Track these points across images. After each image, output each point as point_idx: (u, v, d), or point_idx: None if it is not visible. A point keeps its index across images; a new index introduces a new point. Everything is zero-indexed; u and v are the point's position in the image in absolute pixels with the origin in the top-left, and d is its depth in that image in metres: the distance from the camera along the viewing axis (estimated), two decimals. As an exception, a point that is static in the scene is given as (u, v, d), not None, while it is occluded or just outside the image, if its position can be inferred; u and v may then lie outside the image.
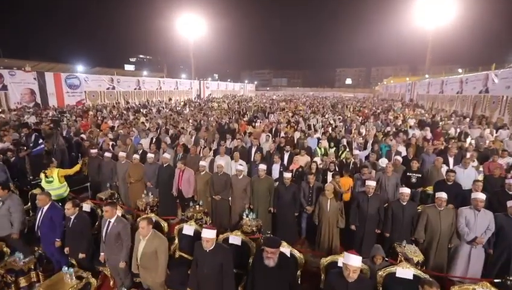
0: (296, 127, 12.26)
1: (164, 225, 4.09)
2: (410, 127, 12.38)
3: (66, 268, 3.33)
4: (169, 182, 5.74)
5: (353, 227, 4.48)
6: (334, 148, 8.38)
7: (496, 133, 11.09)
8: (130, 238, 3.40)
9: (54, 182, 4.80)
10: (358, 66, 79.91)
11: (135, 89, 29.75)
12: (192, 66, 45.26)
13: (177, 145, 8.20)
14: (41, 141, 6.49)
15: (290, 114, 17.40)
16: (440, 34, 31.82)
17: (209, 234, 2.77)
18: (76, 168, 5.59)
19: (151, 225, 3.14)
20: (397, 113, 17.66)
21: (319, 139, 9.06)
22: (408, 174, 5.68)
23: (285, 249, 3.36)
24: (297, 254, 3.40)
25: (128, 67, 62.07)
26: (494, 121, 13.58)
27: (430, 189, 5.68)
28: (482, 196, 3.83)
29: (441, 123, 14.06)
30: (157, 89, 32.95)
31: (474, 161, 6.84)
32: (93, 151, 6.76)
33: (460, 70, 29.06)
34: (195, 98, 37.22)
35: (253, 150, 7.43)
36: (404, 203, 4.16)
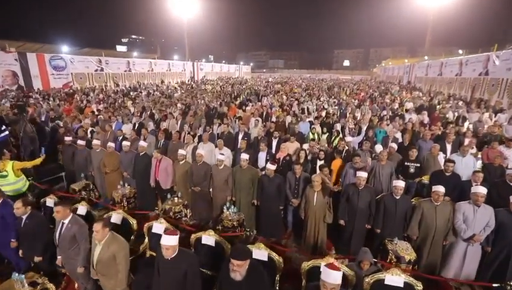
0: (289, 110, 11.77)
1: (133, 222, 3.71)
2: (407, 110, 11.94)
3: (17, 274, 2.95)
4: (146, 172, 5.31)
5: (342, 222, 4.14)
6: (327, 133, 7.96)
7: (495, 117, 10.72)
8: (87, 241, 3.02)
9: (9, 176, 4.34)
10: (357, 48, 78.13)
11: (125, 71, 28.67)
12: (186, 46, 43.61)
13: (159, 131, 7.74)
14: (4, 127, 5.94)
15: (285, 97, 16.82)
16: (441, 14, 30.66)
17: (168, 241, 2.37)
18: (37, 161, 5.08)
19: (107, 228, 2.74)
20: (394, 96, 17.14)
21: (311, 123, 8.61)
22: (406, 163, 5.30)
23: (263, 251, 3.01)
24: (275, 257, 3.05)
25: (120, 48, 59.74)
26: (493, 104, 13.19)
27: (426, 178, 5.33)
28: (483, 191, 3.47)
29: (438, 107, 13.65)
30: (148, 71, 31.83)
31: (473, 147, 6.48)
32: (68, 138, 6.27)
33: (460, 51, 28.28)
34: (188, 81, 36.17)
35: (240, 136, 6.99)
36: (398, 197, 3.80)
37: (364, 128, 8.26)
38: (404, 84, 28.08)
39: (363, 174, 3.91)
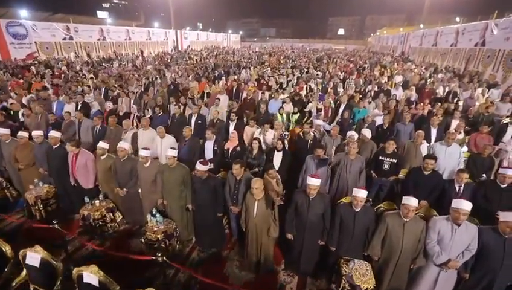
0: (266, 85, 10.60)
1: (6, 249, 2.79)
2: (395, 85, 10.91)
3: None
4: (64, 168, 4.32)
5: (289, 237, 3.32)
6: (299, 114, 6.96)
7: (488, 92, 9.81)
8: None
9: None
10: (352, 15, 74.28)
11: (98, 39, 26.26)
12: (171, 12, 40.13)
13: (103, 114, 6.65)
14: None
15: (269, 69, 15.41)
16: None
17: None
18: None
19: None
20: (383, 69, 15.95)
21: (283, 102, 7.57)
22: (380, 158, 4.33)
23: (92, 277, 2.23)
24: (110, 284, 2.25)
25: (102, 15, 54.99)
26: (486, 77, 12.24)
27: (403, 173, 4.49)
28: (466, 207, 2.62)
29: (429, 80, 12.63)
30: (125, 39, 29.34)
31: (460, 132, 5.62)
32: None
33: (458, 19, 26.59)
34: (171, 51, 33.87)
35: (193, 119, 5.94)
36: (357, 210, 2.94)
37: (342, 107, 7.26)
38: (398, 54, 26.63)
39: (314, 182, 2.99)
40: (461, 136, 5.60)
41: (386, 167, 4.23)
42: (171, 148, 3.70)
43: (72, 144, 4.03)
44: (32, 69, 13.93)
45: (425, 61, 19.76)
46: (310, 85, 10.22)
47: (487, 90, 9.82)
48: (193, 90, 9.29)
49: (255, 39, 68.95)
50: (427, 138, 5.55)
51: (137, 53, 27.85)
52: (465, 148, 5.73)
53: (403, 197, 2.80)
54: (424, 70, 14.84)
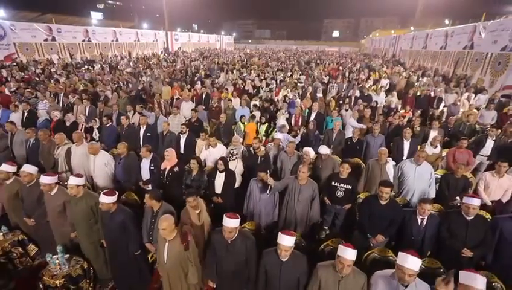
0: (242, 90, 10.00)
1: None
2: (377, 90, 10.38)
3: None
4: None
5: (210, 284, 2.71)
6: (266, 124, 6.38)
7: (475, 97, 9.29)
8: None
9: None
10: (347, 17, 74.23)
11: (83, 40, 25.54)
12: (165, 14, 39.32)
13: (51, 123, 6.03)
14: None
15: (253, 73, 14.77)
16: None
17: None
18: None
19: None
20: (371, 72, 15.45)
21: (251, 110, 6.99)
22: (333, 183, 3.69)
23: None
24: None
25: (96, 16, 53.95)
26: (475, 81, 11.76)
27: (363, 195, 3.92)
28: (413, 266, 2.02)
29: (416, 84, 12.13)
30: (112, 41, 28.65)
31: (436, 146, 5.06)
32: None
33: (447, 21, 26.28)
34: (162, 52, 33.22)
35: (142, 131, 5.33)
36: (284, 260, 2.34)
37: (313, 115, 6.69)
38: (389, 57, 26.19)
39: (230, 223, 2.36)
40: (437, 149, 5.04)
41: (339, 194, 3.63)
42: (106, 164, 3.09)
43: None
44: (1, 72, 13.18)
45: (415, 64, 19.33)
46: (287, 91, 9.61)
47: (474, 95, 9.32)
48: (165, 95, 8.69)
49: (250, 41, 68.54)
50: (399, 153, 5.00)
51: (123, 55, 27.14)
52: (442, 164, 5.21)
53: (339, 246, 2.19)
54: (411, 74, 14.36)
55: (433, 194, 4.03)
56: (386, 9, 55.71)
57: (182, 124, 5.08)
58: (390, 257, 2.84)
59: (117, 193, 2.86)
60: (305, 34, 69.81)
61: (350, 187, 3.60)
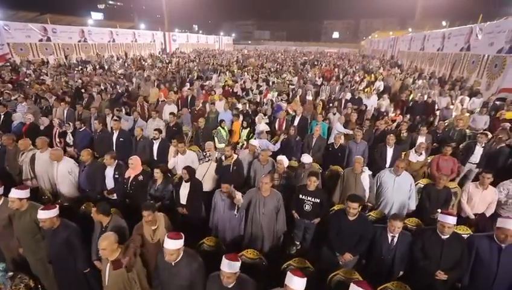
0: (231, 92, 9.79)
1: None
2: (368, 93, 10.12)
3: None
4: None
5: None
6: (248, 128, 6.16)
7: (470, 101, 9.02)
8: None
9: None
10: (347, 18, 74.05)
11: (79, 41, 25.39)
12: (164, 14, 39.09)
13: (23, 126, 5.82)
14: None
15: (249, 75, 14.51)
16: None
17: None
18: None
19: None
20: (366, 74, 15.22)
21: (235, 114, 6.75)
22: (301, 196, 3.43)
23: None
24: None
25: (96, 16, 53.75)
26: (471, 83, 11.51)
27: (337, 207, 3.68)
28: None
29: (411, 87, 11.88)
30: (109, 41, 28.48)
31: (421, 154, 4.82)
32: None
33: (444, 23, 26.00)
34: (159, 53, 33.11)
35: (114, 136, 5.11)
36: (230, 286, 2.11)
37: (297, 119, 6.45)
38: (387, 59, 25.93)
39: (169, 246, 2.14)
40: (422, 157, 4.80)
41: (307, 207, 3.38)
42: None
43: None
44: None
45: (413, 66, 19.08)
46: (275, 94, 9.38)
47: (468, 98, 9.06)
48: (152, 97, 8.49)
49: (249, 42, 68.41)
50: (382, 160, 4.77)
51: (119, 55, 27.00)
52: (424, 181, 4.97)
53: (287, 273, 1.96)
54: (407, 76, 14.11)
55: (413, 207, 3.80)
56: (386, 11, 55.46)
57: (155, 129, 4.84)
58: (356, 280, 2.60)
59: (57, 206, 2.63)
60: (305, 35, 69.61)
61: (318, 201, 3.35)
